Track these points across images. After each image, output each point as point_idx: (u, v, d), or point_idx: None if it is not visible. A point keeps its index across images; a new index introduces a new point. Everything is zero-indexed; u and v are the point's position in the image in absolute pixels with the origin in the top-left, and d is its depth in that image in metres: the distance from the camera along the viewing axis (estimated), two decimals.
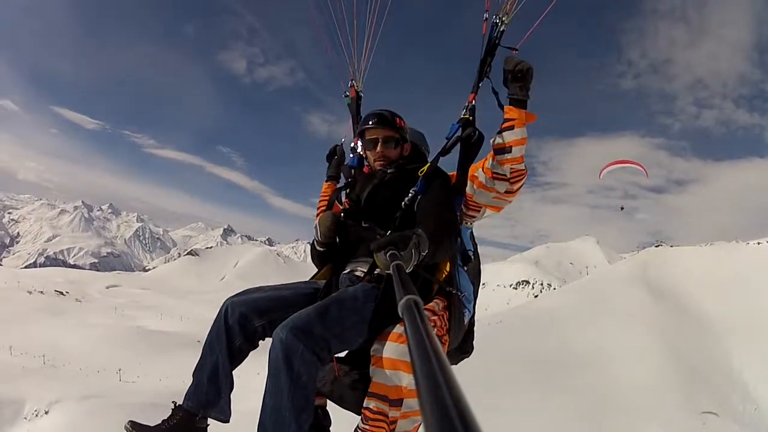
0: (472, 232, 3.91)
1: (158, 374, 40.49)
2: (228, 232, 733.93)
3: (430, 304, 3.18)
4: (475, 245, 3.95)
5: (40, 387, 32.22)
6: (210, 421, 2.97)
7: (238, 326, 2.91)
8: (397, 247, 2.55)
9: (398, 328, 2.97)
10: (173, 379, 38.61)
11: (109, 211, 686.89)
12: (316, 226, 3.50)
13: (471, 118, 3.58)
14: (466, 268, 3.68)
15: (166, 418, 2.90)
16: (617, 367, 26.39)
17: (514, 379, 24.61)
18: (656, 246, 54.44)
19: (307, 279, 3.59)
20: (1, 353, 38.51)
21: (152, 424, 2.79)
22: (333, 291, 3.25)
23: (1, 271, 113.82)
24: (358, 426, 2.89)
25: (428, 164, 3.48)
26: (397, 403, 2.85)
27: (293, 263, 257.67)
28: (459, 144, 3.55)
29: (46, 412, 30.35)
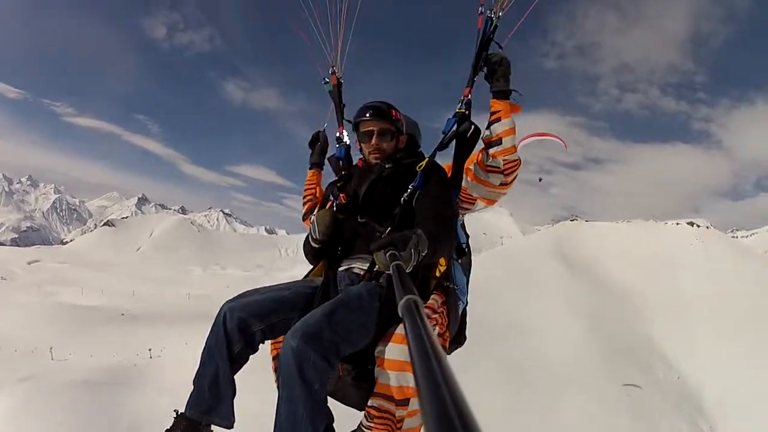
0: (463, 223, 4.05)
1: (88, 351, 39.65)
2: (142, 201, 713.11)
3: (429, 301, 3.30)
4: (466, 236, 4.03)
5: None
6: (213, 428, 3.12)
7: (238, 331, 3.00)
8: (397, 247, 2.62)
9: (401, 329, 3.00)
10: (102, 356, 38.37)
11: (28, 183, 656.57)
12: (313, 223, 3.52)
13: (467, 112, 3.72)
14: (460, 261, 3.82)
15: (169, 428, 3.02)
16: (538, 338, 27.99)
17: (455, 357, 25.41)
18: (571, 220, 55.15)
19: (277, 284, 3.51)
20: None
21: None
22: (331, 290, 3.38)
23: None
24: (361, 424, 3.06)
25: (426, 159, 3.55)
26: (404, 402, 2.94)
27: (207, 232, 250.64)
28: (455, 138, 3.68)
29: None
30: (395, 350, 2.95)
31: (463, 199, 3.82)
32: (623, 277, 35.52)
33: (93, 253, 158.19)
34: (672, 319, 30.92)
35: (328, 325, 2.77)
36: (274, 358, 3.35)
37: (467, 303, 3.79)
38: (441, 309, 3.34)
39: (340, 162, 4.15)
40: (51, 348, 38.83)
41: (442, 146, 3.65)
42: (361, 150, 3.81)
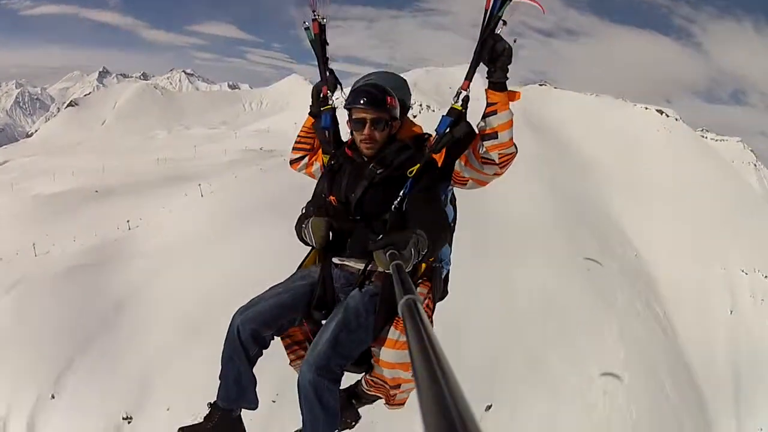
0: (453, 196, 4.09)
1: (69, 236, 39.53)
2: (103, 74, 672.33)
3: (418, 291, 3.52)
4: (455, 210, 4.12)
5: None
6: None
7: (252, 340, 3.53)
8: (397, 246, 2.75)
9: (393, 333, 3.44)
10: (85, 237, 38.28)
11: None
12: (308, 231, 3.57)
13: (464, 110, 3.60)
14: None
15: (206, 416, 3.68)
16: (498, 198, 27.83)
17: None
18: (540, 85, 55.48)
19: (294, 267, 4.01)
20: None
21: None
22: (328, 287, 3.69)
23: None
24: (360, 383, 4.05)
25: (417, 166, 3.53)
26: (396, 386, 3.61)
27: (170, 94, 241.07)
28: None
29: None
30: (388, 354, 3.43)
31: (455, 180, 3.76)
32: (587, 148, 36.76)
33: (59, 138, 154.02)
34: (631, 197, 32.25)
35: (334, 353, 3.26)
36: (282, 338, 3.95)
37: (450, 263, 4.01)
38: (428, 297, 3.64)
39: (327, 133, 4.07)
40: (33, 244, 38.78)
41: (435, 150, 3.58)
42: (351, 133, 3.83)
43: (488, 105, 3.46)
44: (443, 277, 3.92)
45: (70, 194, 55.40)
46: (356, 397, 4.25)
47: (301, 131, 4.45)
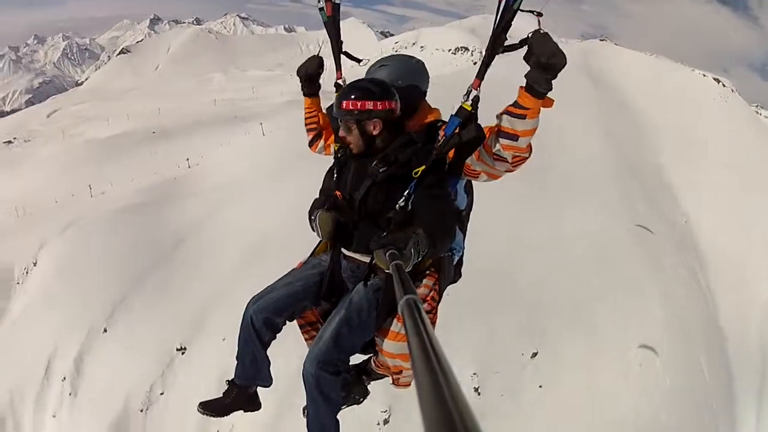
0: (468, 183, 3.93)
1: (126, 177, 40.05)
2: (154, 21, 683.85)
3: (420, 289, 3.55)
4: (470, 198, 4.01)
5: (22, 242, 31.70)
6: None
7: (264, 327, 3.72)
8: (398, 246, 2.74)
9: (395, 325, 3.53)
10: (142, 178, 38.47)
11: (35, 42, 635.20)
12: (316, 226, 3.58)
13: (474, 111, 3.32)
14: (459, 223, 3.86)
15: (224, 392, 4.04)
16: (554, 142, 28.12)
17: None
18: (601, 40, 55.03)
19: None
20: None
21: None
22: (336, 277, 3.81)
23: None
24: (370, 362, 4.23)
25: (422, 167, 3.34)
26: (398, 372, 3.79)
27: (225, 38, 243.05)
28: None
29: (35, 264, 30.02)
30: (390, 345, 3.54)
31: (467, 173, 3.60)
32: (643, 107, 36.23)
33: (110, 85, 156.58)
34: (683, 162, 31.75)
35: (336, 348, 3.43)
36: (297, 320, 4.07)
37: (464, 249, 3.97)
38: (432, 290, 3.62)
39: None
40: (90, 186, 38.90)
41: (441, 152, 3.38)
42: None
43: (518, 106, 3.06)
44: (455, 262, 3.88)
45: (126, 137, 56.04)
46: (366, 373, 4.39)
47: (304, 113, 4.46)
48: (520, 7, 3.04)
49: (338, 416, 3.73)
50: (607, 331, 21.87)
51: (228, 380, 4.06)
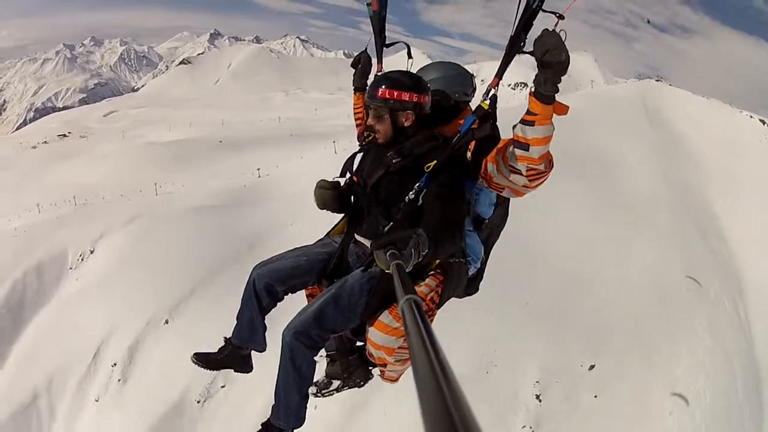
0: (493, 197, 4.04)
1: (194, 180, 41.45)
2: (215, 36, 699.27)
3: (422, 288, 3.67)
4: (502, 203, 4.14)
5: (78, 230, 33.00)
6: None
7: (265, 292, 3.95)
8: (397, 246, 2.77)
9: (385, 317, 3.61)
10: (213, 181, 40.07)
11: (92, 44, 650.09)
12: (315, 196, 4.04)
13: (491, 110, 3.53)
14: (478, 231, 4.05)
15: (219, 348, 4.28)
16: (618, 173, 32.66)
17: (553, 173, 26.68)
18: (656, 80, 56.89)
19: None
20: (30, 215, 38.89)
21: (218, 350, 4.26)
22: (343, 260, 4.03)
23: None
24: (363, 350, 4.32)
25: (434, 162, 3.52)
26: (383, 365, 3.92)
27: (286, 58, 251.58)
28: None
29: (92, 252, 31.23)
30: (376, 335, 3.60)
31: (490, 184, 3.69)
32: (694, 144, 38.65)
33: (168, 93, 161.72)
34: (730, 200, 33.60)
35: (315, 323, 3.58)
36: (307, 296, 4.34)
37: (484, 263, 4.12)
38: (434, 291, 3.71)
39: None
40: (155, 184, 40.26)
41: (455, 148, 3.55)
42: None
43: (528, 113, 3.18)
44: (472, 275, 4.01)
45: (191, 143, 57.98)
46: (366, 358, 4.39)
47: (353, 109, 4.77)
48: (543, 8, 3.16)
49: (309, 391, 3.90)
50: (659, 350, 23.31)
51: (225, 337, 4.34)
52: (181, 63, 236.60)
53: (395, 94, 3.61)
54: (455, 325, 21.81)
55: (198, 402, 23.56)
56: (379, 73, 4.26)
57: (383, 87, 3.63)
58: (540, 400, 21.55)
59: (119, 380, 25.06)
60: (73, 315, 27.88)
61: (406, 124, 3.69)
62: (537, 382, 21.92)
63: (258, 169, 40.16)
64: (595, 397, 21.84)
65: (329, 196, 4.01)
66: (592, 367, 22.65)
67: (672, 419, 21.45)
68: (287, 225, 30.06)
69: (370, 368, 4.44)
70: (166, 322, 25.93)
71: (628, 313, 24.30)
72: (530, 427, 20.92)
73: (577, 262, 25.74)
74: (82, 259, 31.56)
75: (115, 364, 25.46)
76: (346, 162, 4.15)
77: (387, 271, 2.67)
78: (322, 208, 4.10)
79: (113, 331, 26.34)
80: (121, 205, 37.18)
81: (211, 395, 23.74)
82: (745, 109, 45.98)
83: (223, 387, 22.69)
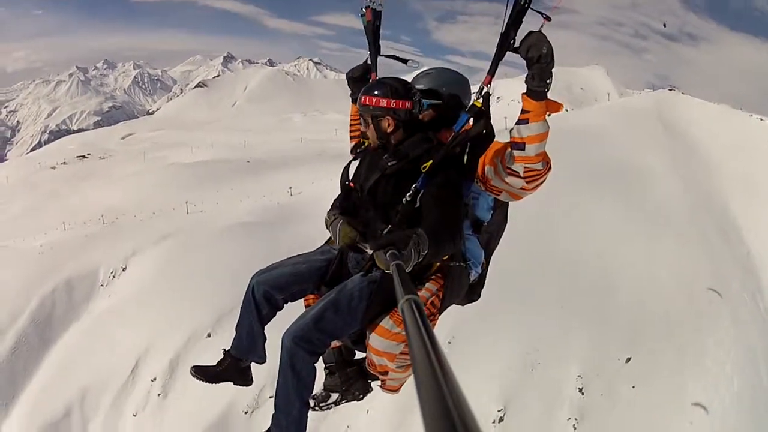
0: (493, 201, 4.04)
1: (225, 199, 42.24)
2: (228, 59, 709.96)
3: (423, 292, 3.71)
4: (500, 207, 4.12)
5: (108, 248, 33.29)
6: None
7: (264, 300, 3.94)
8: (398, 246, 2.85)
9: (386, 322, 3.64)
10: (252, 199, 41.17)
11: (105, 67, 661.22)
12: (336, 233, 3.85)
13: (484, 108, 3.62)
14: (478, 234, 4.07)
15: (218, 360, 4.23)
16: (643, 179, 33.91)
17: (574, 184, 28.44)
18: (669, 89, 58.45)
19: (320, 246, 4.31)
20: (56, 234, 39.07)
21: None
22: (343, 266, 3.99)
23: (13, 163, 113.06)
24: (364, 360, 4.23)
25: (430, 162, 3.57)
26: (384, 373, 3.87)
27: (301, 80, 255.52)
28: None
29: (124, 269, 31.56)
30: (377, 341, 3.62)
31: (487, 187, 3.73)
32: (708, 149, 39.29)
33: (186, 115, 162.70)
34: (745, 198, 33.99)
35: (315, 328, 3.56)
36: (305, 304, 4.29)
37: (487, 266, 4.15)
38: (435, 295, 3.74)
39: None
40: (186, 202, 40.79)
41: (450, 147, 3.62)
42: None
43: (522, 112, 3.31)
44: (473, 280, 4.04)
45: (215, 164, 58.67)
46: (365, 371, 4.38)
47: (350, 119, 4.78)
48: (531, 7, 3.29)
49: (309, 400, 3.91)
50: (689, 342, 24.41)
51: (224, 349, 4.28)
52: (197, 86, 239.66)
53: (374, 101, 3.72)
54: (498, 329, 22.76)
55: (245, 413, 23.79)
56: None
57: (364, 95, 3.76)
58: (582, 393, 22.70)
59: (159, 395, 25.32)
60: (106, 331, 28.16)
61: (388, 130, 3.78)
62: (579, 376, 23.05)
63: (290, 188, 40.75)
64: (633, 387, 22.96)
65: (353, 234, 3.81)
66: (628, 359, 23.78)
67: (706, 406, 22.52)
68: (322, 241, 30.11)
69: (369, 381, 4.45)
70: (209, 335, 26.24)
71: (658, 309, 25.54)
72: (575, 419, 22.10)
73: (608, 265, 27.02)
74: (114, 276, 32.04)
75: (154, 379, 25.73)
76: (343, 171, 4.19)
77: (387, 272, 2.86)
78: (344, 248, 3.96)
79: (151, 346, 26.63)
80: (151, 223, 37.84)
81: (259, 405, 23.91)
82: (755, 112, 47.00)
83: (271, 397, 22.52)
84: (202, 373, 4.19)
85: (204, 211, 39.52)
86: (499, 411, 22.30)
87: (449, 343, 22.31)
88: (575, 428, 21.99)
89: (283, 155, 62.65)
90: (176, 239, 33.11)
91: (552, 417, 22.19)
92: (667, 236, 29.70)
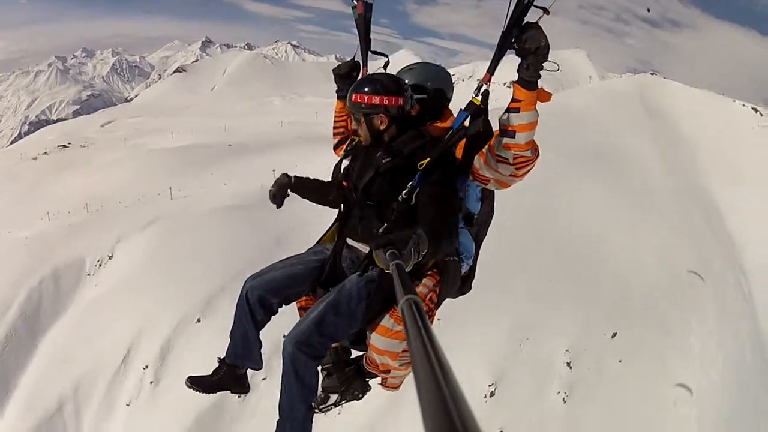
0: (480, 191, 4.12)
1: (209, 183, 42.60)
2: (206, 44, 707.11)
3: (420, 288, 3.73)
4: (485, 195, 4.18)
5: (94, 237, 33.19)
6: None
7: (258, 305, 3.94)
8: (397, 246, 2.82)
9: (387, 321, 3.68)
10: (236, 182, 41.34)
11: (83, 55, 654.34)
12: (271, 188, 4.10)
13: (483, 105, 3.55)
14: (469, 228, 4.11)
15: (214, 370, 4.19)
16: (626, 161, 36.39)
17: (562, 166, 29.80)
18: (651, 74, 60.66)
19: (313, 246, 4.37)
20: (41, 225, 38.99)
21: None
22: (337, 266, 4.03)
23: None
24: (362, 359, 4.32)
25: (427, 160, 3.54)
26: (386, 371, 3.98)
27: (280, 63, 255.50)
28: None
29: (110, 257, 31.51)
30: (378, 340, 3.68)
31: (475, 177, 3.78)
32: (690, 133, 42.10)
33: (165, 101, 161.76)
34: (726, 182, 36.95)
35: (317, 332, 3.57)
36: (298, 308, 4.33)
37: (475, 260, 4.19)
38: (432, 291, 3.78)
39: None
40: (170, 188, 40.75)
41: (447, 145, 3.59)
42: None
43: (512, 100, 3.36)
44: (464, 273, 4.06)
45: (197, 148, 58.87)
46: (363, 370, 4.43)
47: (334, 116, 4.73)
48: (534, 4, 3.26)
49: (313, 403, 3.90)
50: (673, 319, 25.73)
51: (219, 357, 4.23)
52: (175, 71, 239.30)
53: (366, 98, 3.71)
54: (488, 305, 22.88)
55: (239, 397, 23.56)
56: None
57: (355, 92, 3.74)
58: (571, 367, 23.66)
59: (151, 382, 25.38)
60: (96, 320, 28.13)
61: (381, 127, 3.78)
62: (567, 350, 24.01)
63: (273, 171, 39.83)
64: (620, 361, 23.95)
65: (286, 180, 4.13)
66: (614, 335, 24.77)
67: (690, 381, 23.69)
68: (311, 223, 30.00)
69: (368, 379, 4.47)
70: (199, 320, 26.25)
71: (642, 287, 26.61)
72: (565, 392, 22.89)
73: (593, 244, 28.08)
74: (100, 265, 31.99)
75: (146, 367, 25.77)
76: (334, 169, 4.21)
77: (387, 272, 2.78)
78: (273, 201, 4.17)
79: (142, 334, 26.67)
80: (136, 210, 37.77)
81: (251, 390, 23.82)
82: (738, 98, 48.79)
83: (264, 379, 22.38)
84: (198, 384, 4.15)
85: (188, 196, 39.55)
86: (490, 386, 22.87)
87: (439, 320, 22.06)
88: (564, 401, 22.68)
89: (263, 138, 62.66)
90: (162, 225, 33.11)
91: (542, 391, 23.03)
92: (651, 217, 30.92)
